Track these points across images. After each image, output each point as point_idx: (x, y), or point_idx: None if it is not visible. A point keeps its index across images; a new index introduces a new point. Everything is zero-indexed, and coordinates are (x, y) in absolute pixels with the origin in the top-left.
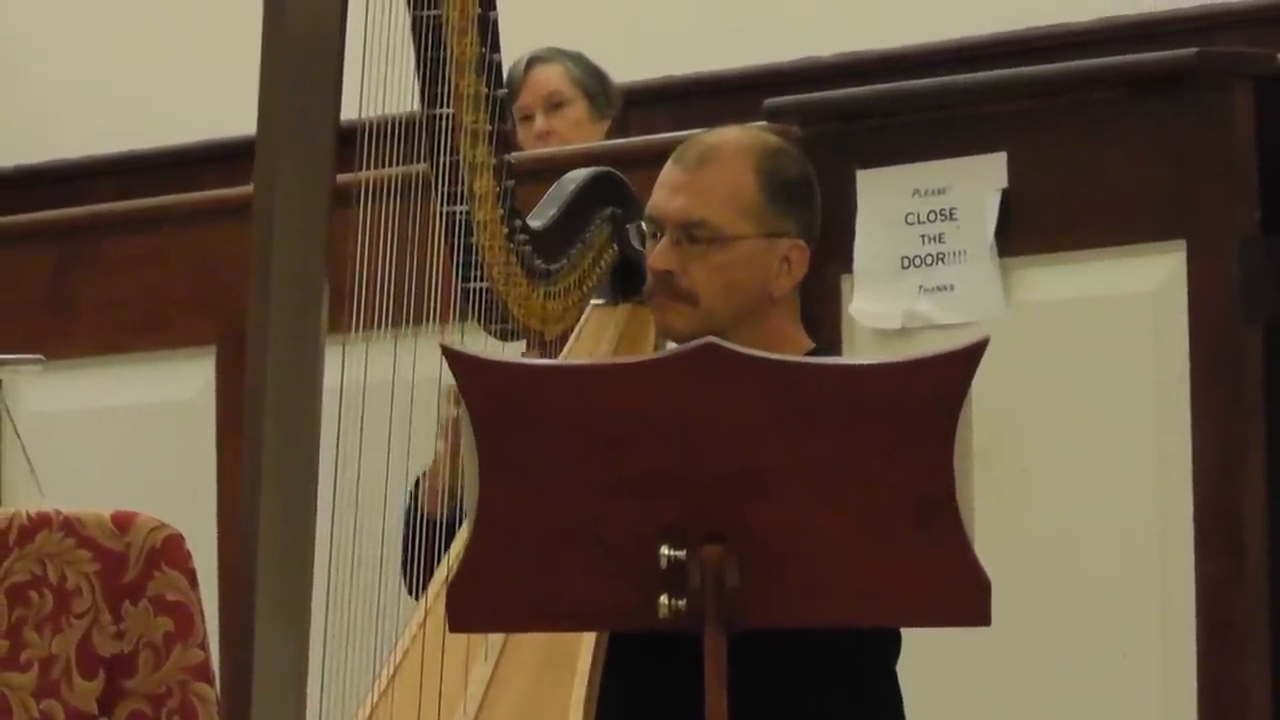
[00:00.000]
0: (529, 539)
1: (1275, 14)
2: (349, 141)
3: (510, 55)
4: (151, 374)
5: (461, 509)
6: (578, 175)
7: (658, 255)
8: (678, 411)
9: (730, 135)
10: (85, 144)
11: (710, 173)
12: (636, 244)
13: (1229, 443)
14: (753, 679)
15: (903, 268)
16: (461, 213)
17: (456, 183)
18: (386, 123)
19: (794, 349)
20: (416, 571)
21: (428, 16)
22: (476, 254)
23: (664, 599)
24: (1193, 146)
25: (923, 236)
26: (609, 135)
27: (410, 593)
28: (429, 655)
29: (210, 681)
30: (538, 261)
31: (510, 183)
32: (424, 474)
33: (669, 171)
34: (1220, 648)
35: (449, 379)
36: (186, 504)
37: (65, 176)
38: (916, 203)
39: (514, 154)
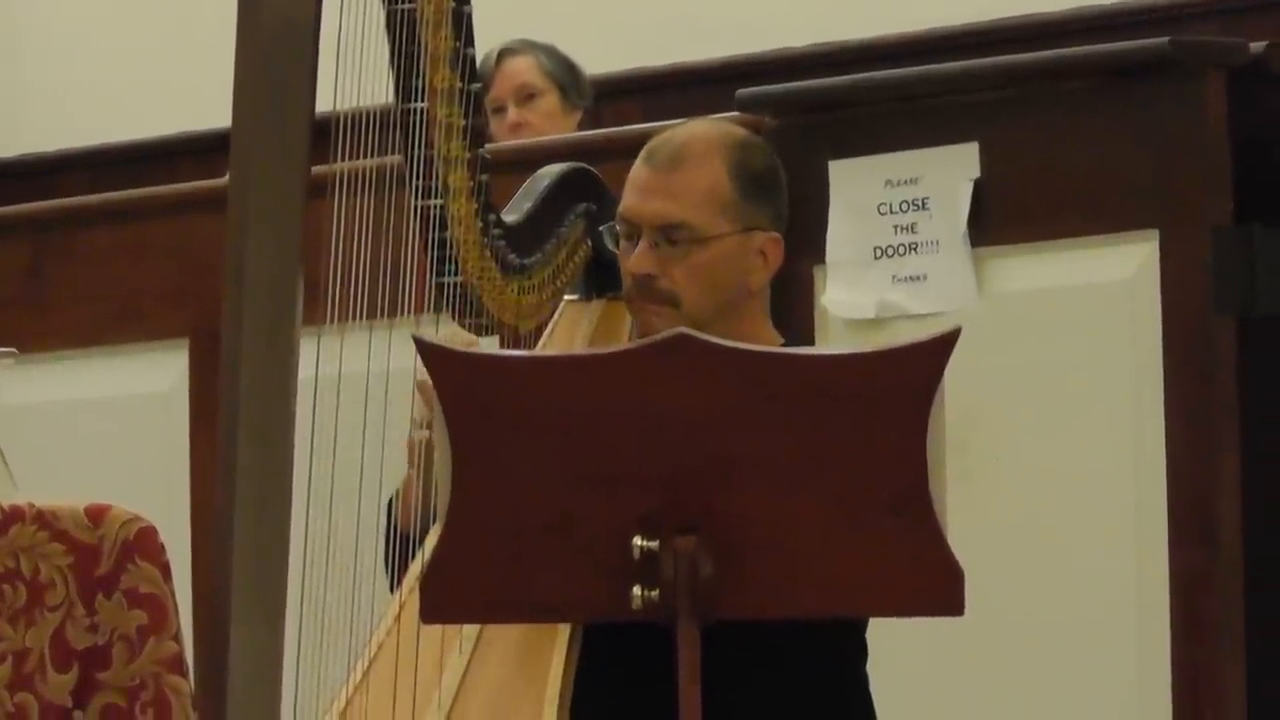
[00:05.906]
0: (502, 530)
1: (1247, 3)
2: (324, 134)
3: (481, 47)
4: (125, 366)
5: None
6: (552, 170)
7: (637, 259)
8: (650, 402)
9: (698, 131)
10: (59, 137)
11: (684, 173)
12: (611, 245)
13: (1203, 432)
14: (721, 677)
15: (875, 258)
16: (436, 207)
17: (431, 177)
18: (361, 114)
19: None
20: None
21: (402, 10)
22: (451, 248)
23: (637, 590)
24: (1165, 136)
25: (895, 226)
26: (581, 126)
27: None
28: (404, 648)
29: (184, 674)
30: (512, 256)
31: (485, 177)
32: (397, 492)
33: (640, 173)
34: (1195, 637)
35: (422, 377)
36: (160, 497)
37: (39, 170)
38: (889, 193)
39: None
